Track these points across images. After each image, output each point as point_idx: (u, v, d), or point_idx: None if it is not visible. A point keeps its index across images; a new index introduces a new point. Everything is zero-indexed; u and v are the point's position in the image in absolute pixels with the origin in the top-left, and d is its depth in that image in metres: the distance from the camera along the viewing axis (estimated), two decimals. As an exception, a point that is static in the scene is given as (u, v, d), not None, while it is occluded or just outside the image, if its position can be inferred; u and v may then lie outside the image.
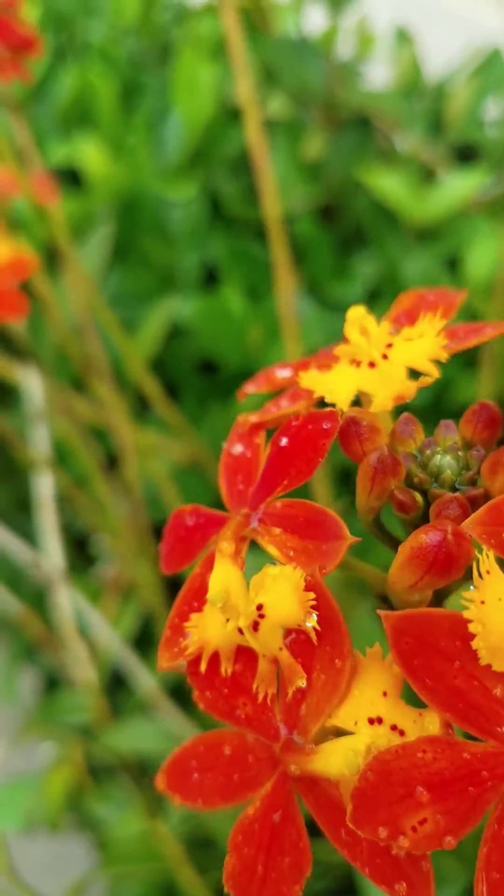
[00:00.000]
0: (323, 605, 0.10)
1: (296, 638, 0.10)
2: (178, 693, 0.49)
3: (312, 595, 0.10)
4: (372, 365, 0.11)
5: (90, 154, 0.60)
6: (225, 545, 0.11)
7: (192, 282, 0.64)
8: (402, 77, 0.69)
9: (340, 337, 0.45)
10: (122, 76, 0.78)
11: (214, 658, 0.10)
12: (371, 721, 0.09)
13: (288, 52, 0.59)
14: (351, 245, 0.64)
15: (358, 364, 0.12)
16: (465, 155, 0.74)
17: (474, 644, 0.09)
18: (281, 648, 0.10)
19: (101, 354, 0.41)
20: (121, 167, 0.60)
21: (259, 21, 0.61)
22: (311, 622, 0.10)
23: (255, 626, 0.10)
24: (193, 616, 0.11)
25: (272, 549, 0.10)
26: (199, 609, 0.11)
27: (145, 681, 0.46)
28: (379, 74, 0.95)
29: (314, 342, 0.56)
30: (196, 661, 0.10)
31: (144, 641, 0.52)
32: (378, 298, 0.60)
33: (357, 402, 0.12)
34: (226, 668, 0.10)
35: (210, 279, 0.65)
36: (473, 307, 0.53)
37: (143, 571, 0.48)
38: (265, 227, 0.69)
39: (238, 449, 0.12)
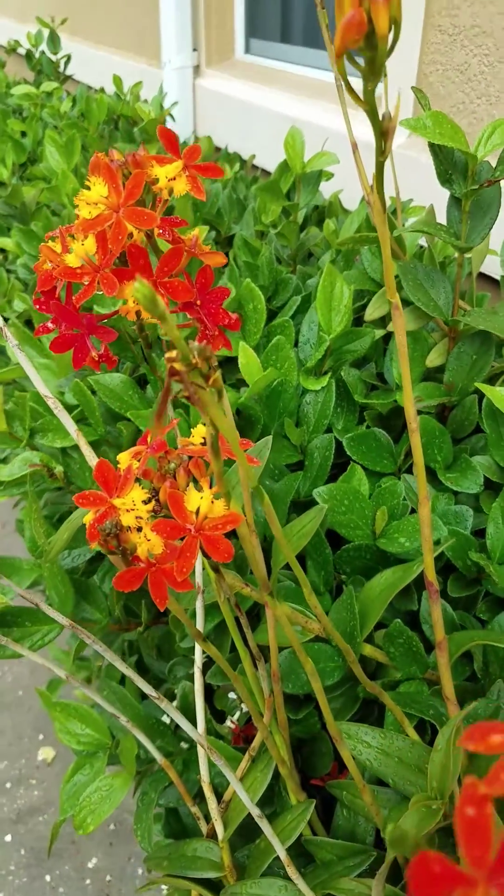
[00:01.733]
0: None
1: None
2: (304, 857, 0.50)
3: None
4: None
5: (245, 355, 0.67)
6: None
7: (321, 458, 0.69)
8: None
9: (457, 523, 0.48)
10: (266, 274, 0.87)
11: None
12: None
13: (419, 275, 0.65)
14: (466, 438, 0.68)
15: None
16: None
17: None
18: None
19: (259, 554, 0.45)
20: (269, 368, 0.67)
21: (395, 248, 0.68)
22: None
23: None
24: None
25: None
26: None
27: (275, 844, 0.47)
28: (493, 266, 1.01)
29: (435, 524, 0.59)
30: None
31: (271, 802, 0.54)
32: (495, 489, 0.63)
33: None
34: None
35: (336, 453, 0.70)
36: None
37: (275, 739, 0.50)
38: (384, 413, 0.74)
39: (471, 811, 0.16)
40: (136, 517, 0.32)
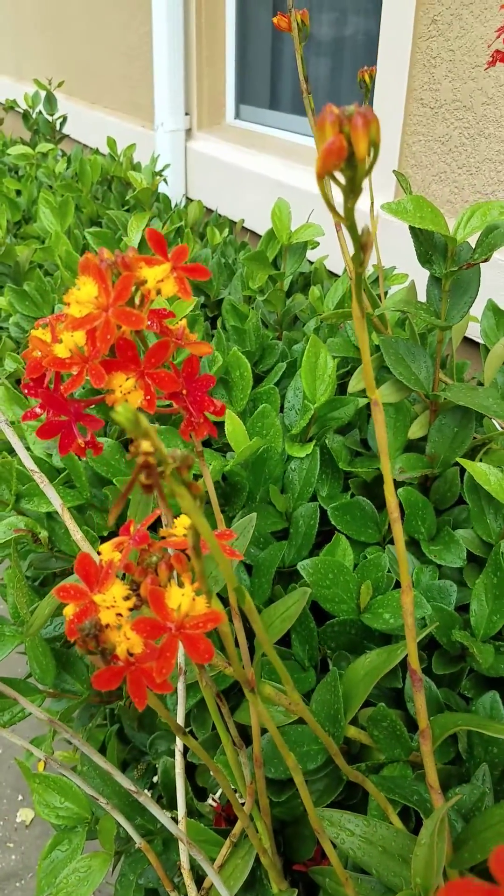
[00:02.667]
0: None
1: None
2: None
3: None
4: None
5: (232, 423, 0.67)
6: None
7: (305, 527, 0.69)
8: (497, 359, 0.75)
9: (441, 598, 0.47)
10: (253, 339, 0.88)
11: None
12: None
13: (401, 350, 0.66)
14: (449, 510, 0.68)
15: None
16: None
17: None
18: None
19: (244, 645, 0.45)
20: (255, 438, 0.67)
21: (377, 323, 0.69)
22: None
23: None
24: None
25: None
26: None
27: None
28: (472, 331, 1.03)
29: (419, 602, 0.58)
30: None
31: (252, 888, 0.53)
32: (478, 563, 0.63)
33: None
34: None
35: (320, 521, 0.69)
36: None
37: (256, 826, 0.49)
38: (368, 481, 0.75)
39: None
40: (117, 614, 0.31)
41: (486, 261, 0.57)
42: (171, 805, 0.63)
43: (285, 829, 0.56)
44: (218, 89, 2.01)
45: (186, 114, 2.01)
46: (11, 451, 0.91)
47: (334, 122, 0.27)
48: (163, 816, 0.39)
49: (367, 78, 0.71)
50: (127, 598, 0.32)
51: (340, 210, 0.29)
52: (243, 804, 0.48)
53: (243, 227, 1.60)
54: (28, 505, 0.74)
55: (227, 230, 1.30)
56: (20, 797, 1.33)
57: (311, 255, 1.17)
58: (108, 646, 0.31)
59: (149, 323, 0.38)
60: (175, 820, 0.56)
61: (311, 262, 1.16)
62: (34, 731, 1.39)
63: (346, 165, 0.28)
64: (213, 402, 0.39)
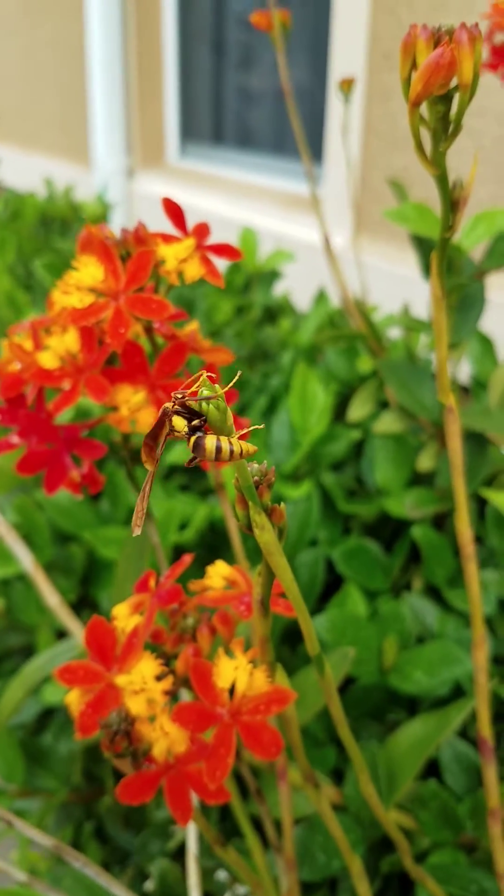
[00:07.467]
0: None
1: None
2: None
3: None
4: None
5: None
6: None
7: (308, 576, 0.62)
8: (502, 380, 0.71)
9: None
10: (226, 375, 0.82)
11: None
12: None
13: (404, 374, 0.61)
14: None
15: None
16: None
17: None
18: None
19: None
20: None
21: (375, 346, 0.64)
22: None
23: None
24: None
25: None
26: None
27: None
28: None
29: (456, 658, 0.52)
30: None
31: None
32: (505, 609, 0.57)
33: None
34: None
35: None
36: None
37: None
38: (368, 522, 0.68)
39: None
40: (148, 700, 0.24)
41: (501, 268, 0.53)
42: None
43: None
44: (159, 127, 1.99)
45: (128, 154, 1.99)
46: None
47: (429, 39, 0.21)
48: None
49: (345, 87, 0.67)
50: (160, 677, 0.24)
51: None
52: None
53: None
54: (-20, 569, 0.65)
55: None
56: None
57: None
58: (144, 746, 0.23)
59: (157, 325, 0.31)
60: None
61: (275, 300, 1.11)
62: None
63: (438, 99, 0.22)
64: (240, 421, 0.32)
